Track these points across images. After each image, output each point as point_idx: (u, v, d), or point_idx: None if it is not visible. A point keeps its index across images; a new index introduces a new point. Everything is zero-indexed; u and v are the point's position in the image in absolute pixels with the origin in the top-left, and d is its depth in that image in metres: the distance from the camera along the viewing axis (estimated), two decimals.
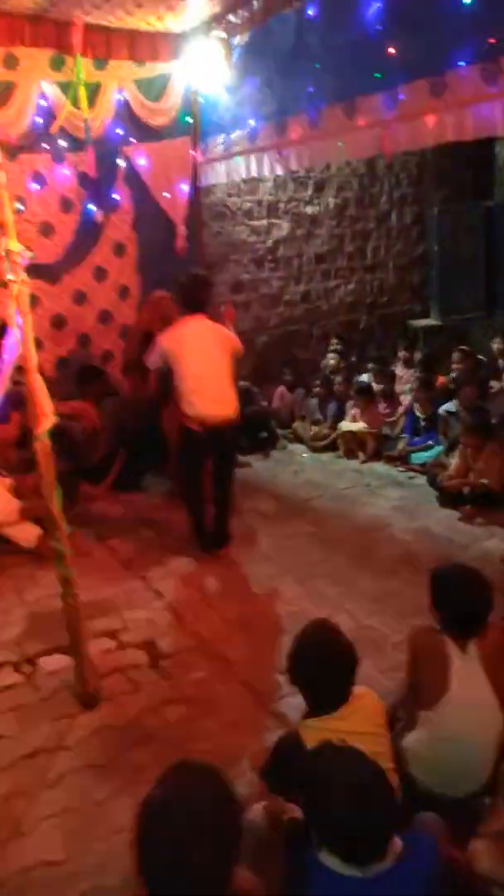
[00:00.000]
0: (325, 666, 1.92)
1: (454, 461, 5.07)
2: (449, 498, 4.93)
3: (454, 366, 6.37)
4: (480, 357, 6.53)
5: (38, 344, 3.87)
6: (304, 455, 6.37)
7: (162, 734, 2.83)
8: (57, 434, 2.93)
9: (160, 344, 4.10)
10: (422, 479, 5.40)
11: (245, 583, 4.05)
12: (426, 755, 2.18)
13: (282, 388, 7.05)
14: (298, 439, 6.59)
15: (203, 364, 3.98)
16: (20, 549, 4.31)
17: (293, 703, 2.51)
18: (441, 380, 6.32)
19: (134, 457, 5.42)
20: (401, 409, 6.22)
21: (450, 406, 5.69)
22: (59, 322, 5.56)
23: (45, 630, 3.48)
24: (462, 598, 2.17)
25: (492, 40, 3.20)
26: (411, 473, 5.64)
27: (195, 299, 4.08)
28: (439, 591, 2.25)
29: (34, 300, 4.43)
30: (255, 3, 4.69)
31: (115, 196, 5.56)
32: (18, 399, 3.14)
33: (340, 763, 1.54)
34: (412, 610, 3.44)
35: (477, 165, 8.37)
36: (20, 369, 2.80)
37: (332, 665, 1.92)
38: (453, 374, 6.30)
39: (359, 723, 1.94)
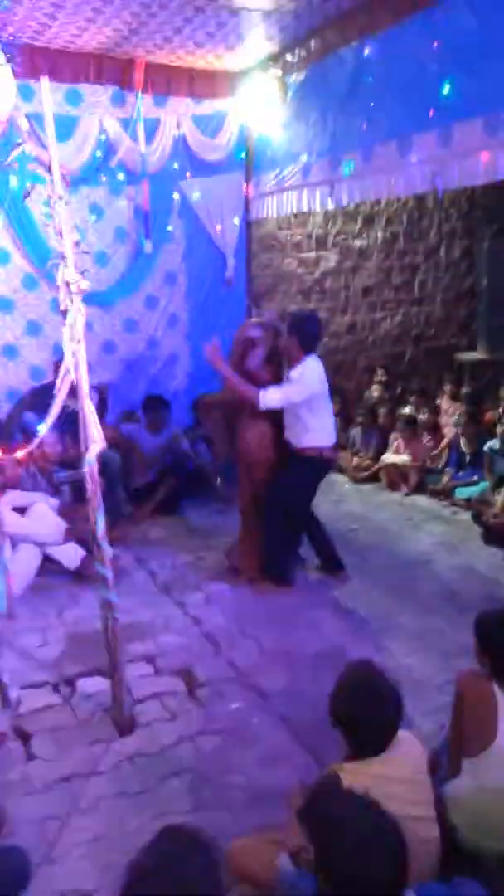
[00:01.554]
0: (369, 711, 1.87)
1: (500, 498, 4.97)
2: (494, 536, 4.82)
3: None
4: None
5: (88, 369, 3.97)
6: (346, 485, 6.33)
7: (196, 765, 2.80)
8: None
9: (302, 384, 3.99)
10: (466, 515, 5.30)
11: (282, 613, 4.01)
12: (469, 805, 2.11)
13: None
14: (340, 469, 6.55)
15: (327, 400, 4.19)
16: (63, 570, 4.36)
17: (331, 740, 2.46)
18: (488, 415, 6.22)
19: (177, 482, 5.49)
20: (445, 442, 6.14)
21: (494, 443, 5.60)
22: (108, 348, 5.70)
23: (84, 651, 3.51)
24: None
25: None
26: (455, 508, 5.54)
27: (316, 337, 4.17)
28: (485, 637, 2.18)
29: (87, 326, 4.55)
30: (312, 42, 4.80)
31: (168, 227, 5.71)
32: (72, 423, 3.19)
33: (355, 813, 1.49)
34: (455, 650, 3.36)
35: None
36: (73, 393, 2.87)
37: (377, 710, 1.87)
38: (501, 410, 6.20)
39: (400, 768, 1.89)
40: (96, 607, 3.00)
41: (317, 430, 4.13)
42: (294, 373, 4.04)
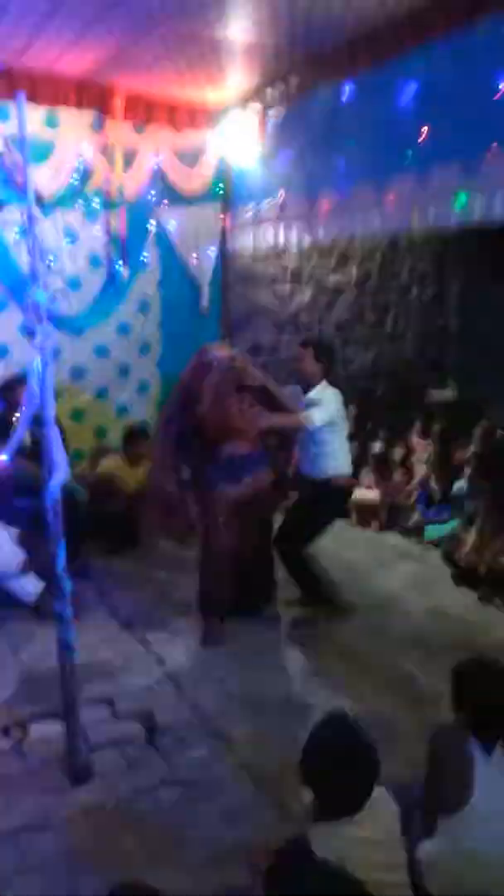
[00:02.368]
0: (344, 773, 1.74)
1: (471, 538, 4.93)
2: (465, 576, 4.76)
3: (475, 441, 6.28)
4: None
5: (56, 394, 3.86)
6: None
7: (154, 819, 2.63)
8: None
9: (330, 402, 4.06)
10: (436, 553, 5.24)
11: (249, 654, 3.86)
12: (443, 868, 1.98)
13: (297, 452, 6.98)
14: None
15: (343, 427, 4.24)
16: (20, 603, 4.17)
17: (298, 794, 2.33)
18: (458, 455, 6.23)
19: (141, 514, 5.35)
20: (416, 480, 6.12)
21: (463, 483, 5.59)
22: (78, 373, 5.58)
23: (38, 692, 3.31)
24: (488, 700, 2.00)
25: None
26: (426, 547, 5.49)
27: (332, 363, 4.26)
28: (462, 690, 2.08)
29: (56, 351, 4.45)
30: (292, 79, 4.86)
31: (143, 255, 5.67)
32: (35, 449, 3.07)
33: (329, 888, 1.40)
34: (426, 696, 3.27)
35: (501, 245, 8.49)
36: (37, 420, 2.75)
37: (352, 772, 1.74)
38: (470, 451, 6.21)
39: (373, 829, 1.76)
40: (54, 644, 2.84)
41: (337, 455, 4.14)
42: (314, 394, 4.08)
